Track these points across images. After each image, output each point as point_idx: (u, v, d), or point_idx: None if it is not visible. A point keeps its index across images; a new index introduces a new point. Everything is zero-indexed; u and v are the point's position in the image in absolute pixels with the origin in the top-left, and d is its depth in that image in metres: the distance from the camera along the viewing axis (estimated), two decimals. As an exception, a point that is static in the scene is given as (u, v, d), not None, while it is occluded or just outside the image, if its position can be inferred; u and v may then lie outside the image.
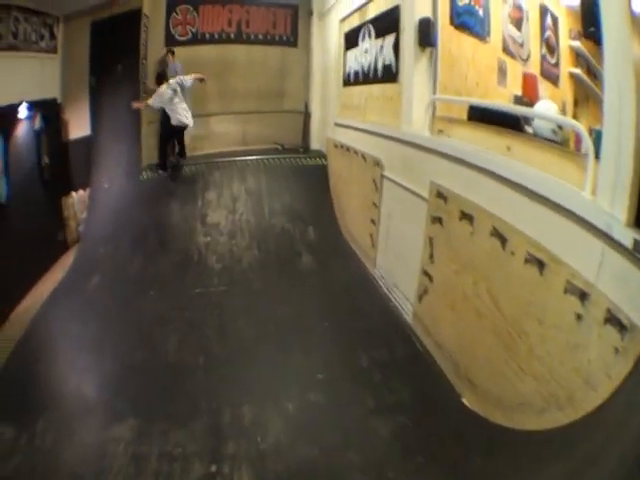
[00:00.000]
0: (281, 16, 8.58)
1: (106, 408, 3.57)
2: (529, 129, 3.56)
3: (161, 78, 6.95)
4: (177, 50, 8.13)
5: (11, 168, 5.96)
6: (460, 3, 4.45)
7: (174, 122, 6.94)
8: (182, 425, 3.27)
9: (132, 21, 7.54)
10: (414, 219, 4.11)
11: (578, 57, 5.64)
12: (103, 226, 6.93)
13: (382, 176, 5.02)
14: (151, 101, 6.85)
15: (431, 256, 3.81)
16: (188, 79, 6.95)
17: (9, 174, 5.89)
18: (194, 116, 7.53)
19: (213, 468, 2.90)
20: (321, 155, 7.77)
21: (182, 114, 6.93)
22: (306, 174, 7.37)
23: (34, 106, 6.64)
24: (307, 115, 8.45)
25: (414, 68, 4.43)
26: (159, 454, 3.02)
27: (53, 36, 7.26)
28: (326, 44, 7.92)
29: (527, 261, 2.60)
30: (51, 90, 7.33)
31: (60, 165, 7.47)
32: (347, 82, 6.75)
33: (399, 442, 2.91)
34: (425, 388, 3.39)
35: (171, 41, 8.24)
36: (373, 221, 5.29)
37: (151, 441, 3.14)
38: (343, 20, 6.88)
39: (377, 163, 5.17)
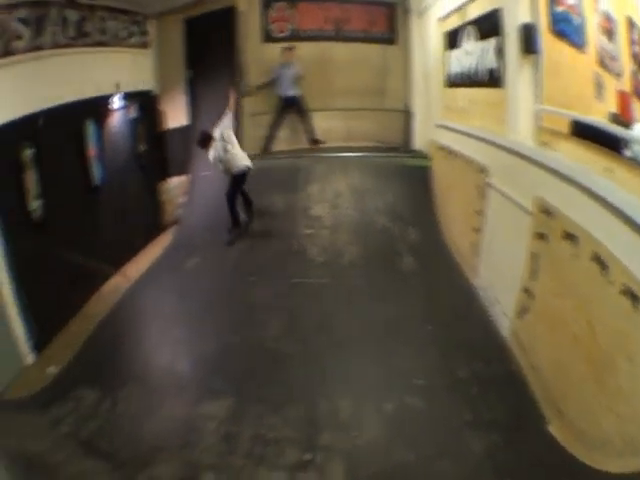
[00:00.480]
0: (379, 14, 8.40)
1: (199, 385, 3.73)
2: (627, 152, 3.41)
3: (205, 140, 6.49)
4: (275, 47, 8.23)
5: (106, 154, 6.47)
6: (558, 9, 4.23)
7: (235, 171, 6.41)
8: (277, 410, 3.35)
9: (226, 17, 7.81)
10: (517, 232, 3.99)
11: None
12: (202, 211, 7.28)
13: (486, 184, 4.88)
14: (211, 158, 6.49)
15: (533, 273, 3.69)
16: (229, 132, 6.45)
17: (104, 159, 6.41)
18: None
19: (307, 456, 2.98)
20: (423, 156, 7.60)
21: (240, 158, 6.43)
22: (408, 174, 7.21)
23: (129, 97, 7.13)
24: (408, 114, 8.27)
25: (518, 75, 4.30)
26: (252, 436, 3.14)
27: (143, 32, 7.73)
28: (425, 43, 7.70)
29: (623, 292, 2.53)
30: (144, 83, 7.80)
31: (156, 152, 8.01)
32: (449, 83, 6.60)
33: (490, 460, 2.92)
34: (517, 409, 3.35)
35: (269, 38, 8.36)
36: (475, 229, 5.13)
37: (244, 422, 3.25)
38: (442, 19, 6.71)
39: (482, 170, 5.00)
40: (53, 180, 5.39)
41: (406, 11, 8.18)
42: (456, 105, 6.34)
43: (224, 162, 6.38)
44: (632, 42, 4.87)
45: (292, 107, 8.05)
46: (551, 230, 3.48)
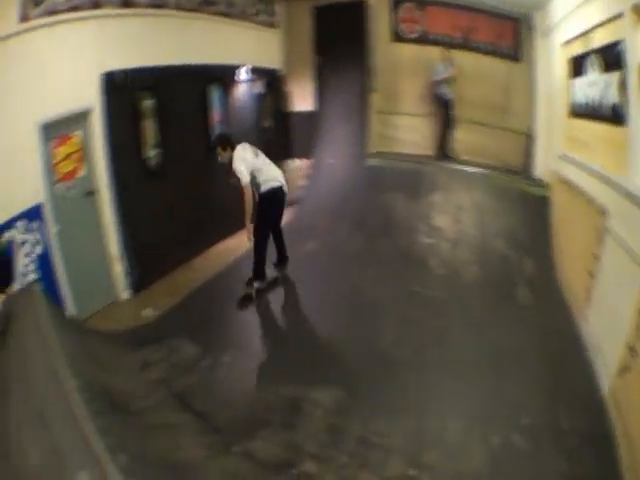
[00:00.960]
0: (506, 27, 7.92)
1: (309, 369, 3.57)
2: None
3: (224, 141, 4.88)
4: (403, 47, 8.21)
5: (230, 121, 6.60)
6: None
7: (264, 189, 4.77)
8: (386, 416, 3.14)
9: (356, 10, 7.81)
10: (629, 284, 3.50)
11: None
12: (323, 198, 7.23)
13: (605, 227, 4.38)
14: (237, 168, 4.61)
15: (638, 331, 3.20)
16: None
17: (226, 125, 6.51)
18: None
19: (412, 472, 2.71)
20: (542, 185, 7.03)
21: (272, 173, 4.86)
22: (527, 201, 6.79)
23: (255, 72, 7.22)
24: (530, 138, 7.72)
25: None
26: (358, 436, 2.93)
27: (271, 12, 7.90)
28: (550, 65, 7.11)
29: None
30: (271, 61, 7.93)
31: (280, 131, 8.10)
32: (573, 113, 6.04)
33: None
34: (604, 470, 2.92)
35: (397, 37, 8.23)
36: (590, 273, 4.62)
37: (352, 419, 3.05)
38: (566, 44, 6.15)
39: (601, 211, 4.49)
40: (172, 133, 5.55)
41: (530, 28, 7.61)
42: (578, 137, 5.73)
43: (255, 177, 4.80)
44: None
45: (444, 109, 7.76)
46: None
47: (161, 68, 5.34)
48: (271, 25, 8.00)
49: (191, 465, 2.45)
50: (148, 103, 5.27)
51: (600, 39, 4.75)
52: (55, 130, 4.29)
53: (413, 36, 8.20)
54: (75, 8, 4.36)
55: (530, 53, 7.75)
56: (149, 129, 5.33)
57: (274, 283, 5.13)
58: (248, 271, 4.90)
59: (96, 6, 4.60)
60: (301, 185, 8.07)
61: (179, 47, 5.73)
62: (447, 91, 7.64)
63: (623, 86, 4.09)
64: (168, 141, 5.51)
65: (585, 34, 5.22)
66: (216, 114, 6.41)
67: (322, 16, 8.18)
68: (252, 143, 7.10)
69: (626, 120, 4.09)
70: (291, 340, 4.11)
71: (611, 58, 4.41)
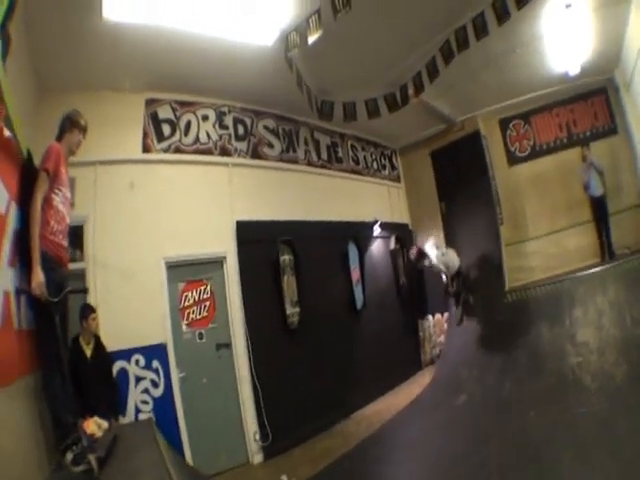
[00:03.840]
0: (599, 104, 7.64)
1: None
2: None
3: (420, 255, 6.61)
4: (520, 168, 7.96)
5: (366, 278, 6.40)
6: None
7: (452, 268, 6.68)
8: None
9: (471, 144, 7.75)
10: None
11: None
12: (464, 349, 6.73)
13: None
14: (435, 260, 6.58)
15: None
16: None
17: (365, 284, 6.34)
18: (555, 232, 7.36)
19: None
20: None
21: (455, 259, 6.88)
22: None
23: (387, 228, 7.24)
24: None
25: None
26: None
27: (393, 166, 8.21)
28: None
29: None
30: (401, 215, 7.98)
31: (415, 287, 7.72)
32: None
33: None
34: None
35: (513, 158, 8.11)
36: None
37: None
38: None
39: None
40: (313, 290, 5.43)
41: (616, 89, 7.23)
42: None
43: (443, 262, 6.45)
44: None
45: (597, 206, 7.22)
46: None
47: (297, 223, 5.53)
48: (396, 179, 8.31)
49: None
50: (286, 258, 5.32)
51: None
52: (185, 272, 4.46)
53: (525, 154, 8.04)
54: (201, 151, 4.88)
55: (623, 118, 7.39)
56: (290, 286, 5.27)
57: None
58: (396, 437, 4.51)
59: (224, 152, 5.10)
60: (440, 341, 7.48)
61: (311, 202, 5.96)
62: (597, 188, 7.14)
63: None
64: (309, 298, 5.37)
65: None
66: (355, 272, 6.33)
67: (439, 160, 8.25)
68: (389, 301, 7.14)
69: None
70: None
71: None
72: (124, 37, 3.58)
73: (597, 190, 7.09)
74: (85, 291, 2.70)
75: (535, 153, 7.99)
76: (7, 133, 2.17)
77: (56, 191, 2.48)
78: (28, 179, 2.42)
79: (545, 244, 7.52)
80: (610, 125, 7.62)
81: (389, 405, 5.64)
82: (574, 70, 6.75)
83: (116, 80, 4.16)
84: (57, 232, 2.46)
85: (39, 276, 2.21)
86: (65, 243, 2.59)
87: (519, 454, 3.90)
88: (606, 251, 6.94)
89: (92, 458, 2.13)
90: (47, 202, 2.40)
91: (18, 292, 2.21)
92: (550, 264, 7.27)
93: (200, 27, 3.80)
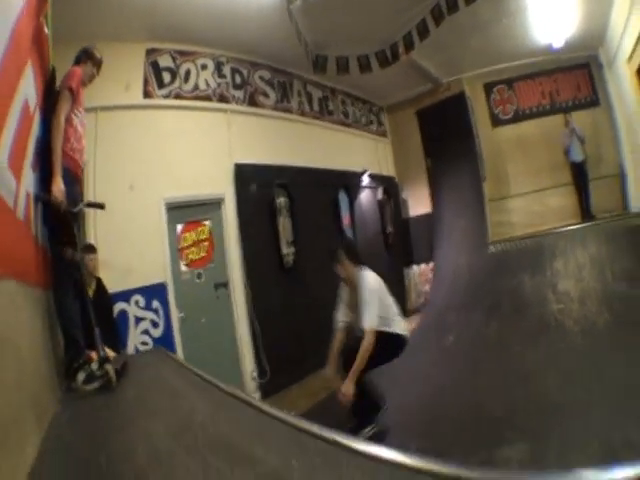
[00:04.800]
0: (582, 77, 8.01)
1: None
2: None
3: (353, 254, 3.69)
4: (503, 130, 8.26)
5: (356, 225, 6.60)
6: None
7: (395, 330, 3.44)
8: None
9: (456, 105, 7.95)
10: None
11: None
12: (451, 295, 7.04)
13: None
14: (369, 302, 3.28)
15: None
16: None
17: (355, 230, 6.54)
18: (537, 191, 7.69)
19: None
20: None
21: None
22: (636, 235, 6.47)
23: (375, 179, 7.42)
24: (623, 177, 7.48)
25: None
26: None
27: (380, 122, 8.37)
28: (623, 93, 6.92)
29: None
30: (388, 169, 8.18)
31: (401, 237, 7.98)
32: None
33: None
34: None
35: (496, 120, 8.40)
36: None
37: None
38: (629, 59, 5.79)
39: None
40: (307, 232, 5.51)
41: (599, 66, 7.59)
42: None
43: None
44: None
45: (577, 171, 7.60)
46: None
47: (292, 169, 5.63)
48: (384, 134, 8.48)
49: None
50: (282, 201, 5.40)
51: None
52: (184, 214, 4.45)
53: (508, 117, 8.31)
54: (200, 98, 4.93)
55: (605, 92, 7.78)
56: (285, 227, 5.36)
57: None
58: (389, 375, 4.00)
59: (222, 99, 5.15)
60: (426, 290, 7.77)
61: (304, 150, 6.08)
62: (578, 154, 7.51)
63: None
64: (303, 240, 5.47)
65: None
66: (345, 217, 6.49)
67: (425, 118, 8.43)
68: (377, 249, 7.29)
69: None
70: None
71: None
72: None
73: (578, 156, 7.46)
74: (102, 207, 2.69)
75: (518, 117, 8.29)
76: (46, 31, 2.14)
77: (76, 112, 2.44)
78: (50, 95, 2.37)
79: (527, 202, 7.90)
80: (592, 97, 7.96)
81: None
82: (558, 43, 7.04)
83: (118, 30, 4.13)
84: (76, 150, 2.44)
85: (60, 184, 2.19)
86: (82, 163, 2.57)
87: (507, 378, 4.16)
88: (585, 213, 7.28)
89: (109, 368, 2.12)
90: (67, 121, 2.35)
91: (37, 199, 2.15)
92: (532, 221, 7.64)
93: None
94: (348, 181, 6.81)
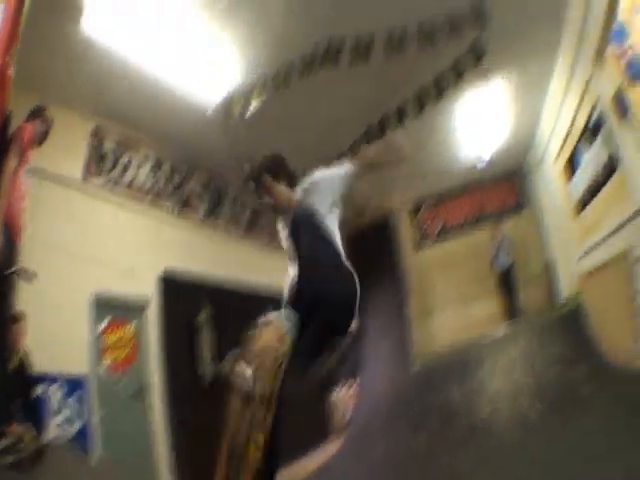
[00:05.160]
0: (509, 187, 8.74)
1: None
2: None
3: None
4: (428, 253, 8.83)
5: None
6: None
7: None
8: None
9: (380, 232, 8.51)
10: None
11: None
12: (374, 415, 6.87)
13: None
14: None
15: None
16: None
17: None
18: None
19: None
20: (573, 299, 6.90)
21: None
22: (566, 320, 6.67)
23: None
24: (549, 274, 8.04)
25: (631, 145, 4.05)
26: None
27: None
28: (548, 190, 7.67)
29: None
30: None
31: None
32: (577, 209, 6.20)
33: None
34: None
35: (422, 241, 8.91)
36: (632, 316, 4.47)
37: None
38: (557, 158, 6.57)
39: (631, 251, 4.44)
40: (229, 347, 5.23)
41: (526, 174, 8.51)
42: (589, 223, 6.02)
43: None
44: None
45: (505, 276, 7.90)
46: None
47: (220, 282, 5.55)
48: None
49: None
50: (205, 315, 5.25)
51: (582, 119, 5.25)
52: (109, 310, 4.23)
53: (434, 236, 8.95)
54: (135, 192, 4.87)
55: (532, 196, 8.44)
56: (205, 342, 5.17)
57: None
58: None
59: (156, 196, 5.13)
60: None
61: (232, 264, 6.07)
62: (504, 260, 7.93)
63: (610, 133, 4.49)
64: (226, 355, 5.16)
65: (570, 127, 5.72)
66: None
67: (350, 244, 8.81)
68: None
69: (620, 161, 4.40)
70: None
71: (595, 125, 4.88)
72: (93, 55, 3.61)
73: (505, 263, 7.84)
74: (32, 277, 2.49)
75: (445, 234, 8.90)
76: (10, 72, 2.11)
77: (21, 170, 2.39)
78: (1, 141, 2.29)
79: (453, 314, 8.31)
80: (518, 203, 8.63)
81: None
82: (482, 163, 7.66)
83: (71, 97, 4.06)
84: (16, 209, 2.34)
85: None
86: (22, 222, 2.43)
87: None
88: (515, 313, 7.63)
89: (28, 445, 1.88)
90: (13, 177, 2.29)
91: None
92: (459, 333, 7.88)
93: (161, 70, 3.97)
94: (276, 298, 6.65)
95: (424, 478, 4.50)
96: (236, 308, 5.49)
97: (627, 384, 4.79)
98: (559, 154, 6.65)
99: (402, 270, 8.43)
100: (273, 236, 6.92)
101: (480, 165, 7.75)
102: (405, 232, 8.95)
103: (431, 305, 8.53)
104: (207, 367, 5.07)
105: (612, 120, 4.25)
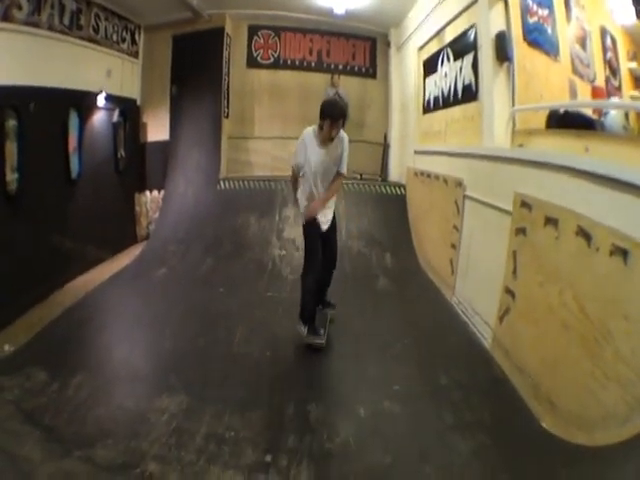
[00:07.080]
0: (360, 47, 8.89)
1: (155, 381, 3.56)
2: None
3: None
4: (258, 73, 8.77)
5: (84, 149, 6.36)
6: (530, 20, 4.42)
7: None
8: (238, 411, 3.10)
9: (214, 38, 8.04)
10: (497, 236, 3.92)
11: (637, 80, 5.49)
12: (175, 227, 7.25)
13: (464, 197, 4.85)
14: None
15: (514, 271, 3.59)
16: None
17: (82, 154, 6.31)
18: (283, 138, 8.14)
19: (268, 458, 2.67)
20: (399, 185, 7.85)
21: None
22: (384, 202, 7.45)
23: (113, 100, 7.13)
24: (386, 146, 8.59)
25: (493, 83, 4.42)
26: (207, 434, 2.87)
27: (134, 41, 7.94)
28: (405, 74, 8.07)
29: (611, 253, 2.45)
30: (130, 91, 7.89)
31: (135, 163, 7.97)
32: (427, 109, 6.78)
33: (480, 460, 2.67)
34: (504, 412, 3.12)
35: (253, 62, 8.78)
36: (454, 245, 5.09)
37: (200, 420, 3.01)
38: (421, 48, 6.97)
39: (459, 184, 5.01)
40: (33, 157, 5.20)
41: (386, 44, 8.67)
42: (432, 129, 6.46)
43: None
44: (605, 49, 5.08)
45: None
46: (531, 222, 3.41)
47: (25, 88, 5.07)
48: (134, 54, 8.00)
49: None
50: (12, 124, 4.92)
51: (453, 32, 5.45)
52: None
53: (267, 62, 8.81)
54: None
55: (385, 68, 8.77)
56: (10, 152, 4.93)
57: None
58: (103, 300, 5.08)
59: None
60: (156, 217, 8.08)
61: (47, 70, 5.56)
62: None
63: (475, 65, 4.76)
64: (28, 166, 5.13)
65: (438, 33, 5.94)
66: (72, 141, 6.15)
67: (180, 44, 8.28)
68: (107, 173, 7.14)
69: (478, 95, 4.74)
70: (136, 357, 4.13)
71: (463, 44, 5.09)
72: None
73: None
74: None
75: (277, 64, 8.80)
76: None
77: None
78: None
79: (272, 146, 8.73)
80: (368, 68, 8.91)
81: (99, 275, 6.20)
82: (339, 10, 7.57)
83: None
84: None
85: None
86: None
87: (198, 323, 4.69)
88: None
89: None
90: None
91: None
92: (273, 165, 8.54)
93: None
94: (82, 101, 6.38)
95: (189, 307, 5.06)
96: (41, 116, 5.40)
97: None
98: (423, 47, 6.83)
99: (226, 83, 8.31)
100: (95, 31, 6.83)
101: (335, 13, 7.66)
102: (239, 49, 8.74)
103: (250, 129, 8.85)
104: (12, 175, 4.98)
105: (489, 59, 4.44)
